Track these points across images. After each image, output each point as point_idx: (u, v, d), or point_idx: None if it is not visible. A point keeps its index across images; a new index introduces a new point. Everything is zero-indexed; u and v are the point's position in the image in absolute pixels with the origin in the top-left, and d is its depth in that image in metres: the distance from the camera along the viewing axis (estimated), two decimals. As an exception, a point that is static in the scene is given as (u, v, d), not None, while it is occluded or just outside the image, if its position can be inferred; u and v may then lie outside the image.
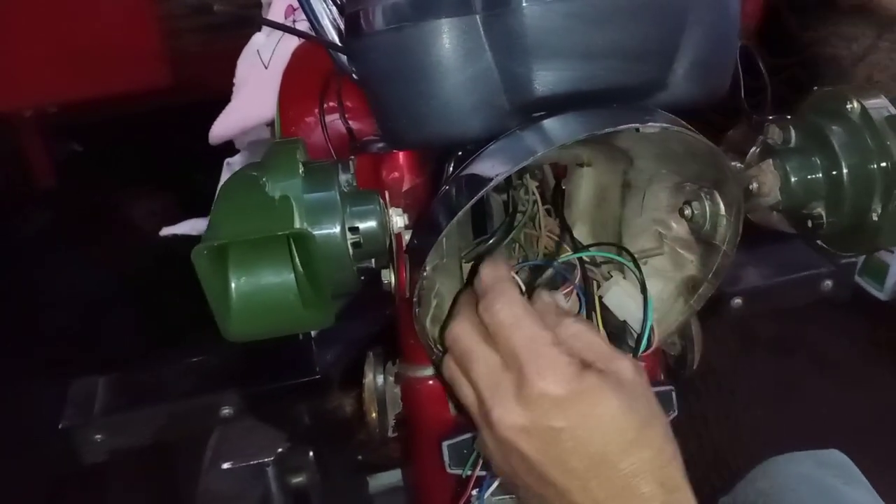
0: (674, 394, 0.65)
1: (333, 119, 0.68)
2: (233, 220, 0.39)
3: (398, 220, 0.45)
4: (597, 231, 0.63)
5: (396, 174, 0.60)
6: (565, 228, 0.61)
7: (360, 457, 0.91)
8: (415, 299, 0.49)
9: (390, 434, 0.64)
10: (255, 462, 0.95)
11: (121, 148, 2.32)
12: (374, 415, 0.62)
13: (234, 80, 1.16)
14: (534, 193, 0.61)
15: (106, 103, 2.14)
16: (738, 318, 0.93)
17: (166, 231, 1.24)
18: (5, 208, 2.30)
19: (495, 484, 0.60)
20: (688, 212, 0.55)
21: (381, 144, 0.59)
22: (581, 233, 0.63)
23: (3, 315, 1.74)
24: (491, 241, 0.57)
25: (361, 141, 0.62)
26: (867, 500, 0.82)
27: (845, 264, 0.93)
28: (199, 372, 0.86)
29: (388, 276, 0.51)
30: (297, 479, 1.13)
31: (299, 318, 0.41)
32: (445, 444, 0.62)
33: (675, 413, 0.66)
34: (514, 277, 0.51)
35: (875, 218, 0.46)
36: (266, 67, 1.01)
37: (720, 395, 1.46)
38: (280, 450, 0.97)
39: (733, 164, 0.54)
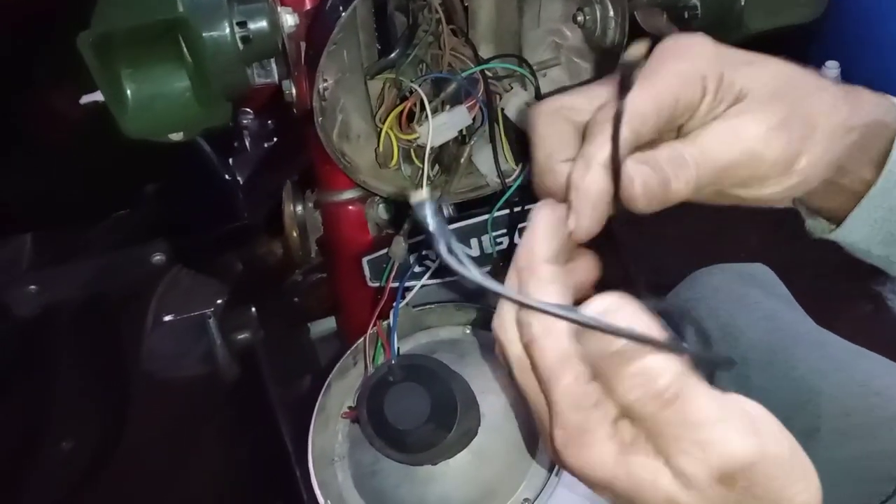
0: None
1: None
2: (116, 9, 0.39)
3: (288, 17, 0.46)
4: (500, 49, 0.64)
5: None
6: (470, 46, 0.62)
7: (296, 299, 0.94)
8: (315, 106, 0.51)
9: (312, 256, 0.67)
10: (196, 314, 0.98)
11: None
12: (295, 236, 0.65)
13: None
14: (437, 12, 0.62)
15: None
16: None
17: (86, 99, 1.22)
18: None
19: (411, 294, 0.64)
20: (580, 18, 0.57)
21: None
22: (486, 52, 0.65)
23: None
24: (392, 55, 0.58)
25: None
26: (783, 310, 0.89)
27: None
28: (129, 223, 0.88)
29: (289, 87, 0.52)
30: (242, 336, 1.17)
31: (194, 115, 0.43)
32: (365, 259, 0.66)
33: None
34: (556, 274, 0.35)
35: (742, 2, 0.49)
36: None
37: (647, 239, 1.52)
38: (219, 301, 1.01)
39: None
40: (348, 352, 0.65)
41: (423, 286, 0.66)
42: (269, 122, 1.12)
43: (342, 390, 0.63)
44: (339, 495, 0.61)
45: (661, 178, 0.35)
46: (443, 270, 0.66)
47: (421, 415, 0.54)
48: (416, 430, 0.54)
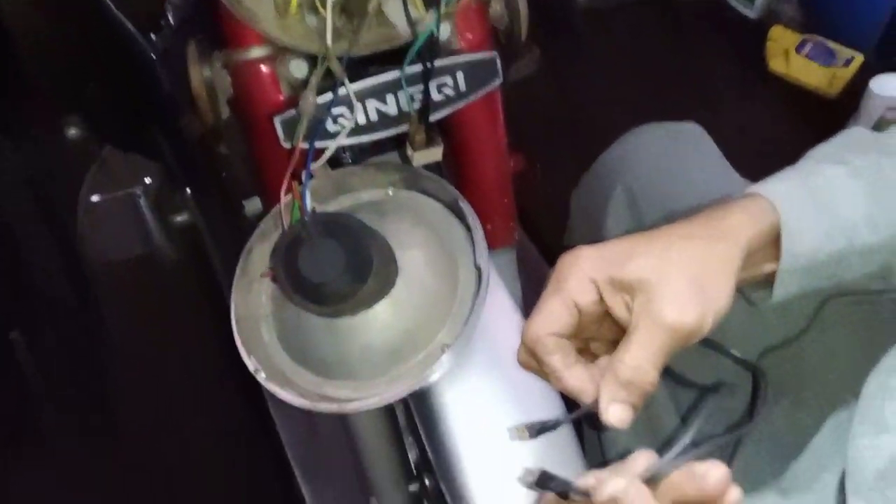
0: (497, 60, 0.68)
1: None
2: None
3: None
4: None
5: None
6: None
7: (224, 174, 0.93)
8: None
9: (224, 117, 0.65)
10: (123, 192, 0.96)
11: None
12: (204, 97, 0.63)
13: None
14: None
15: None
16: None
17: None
18: None
19: (327, 154, 0.63)
20: None
21: None
22: None
23: None
24: None
25: None
26: (711, 165, 0.90)
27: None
28: (41, 97, 0.84)
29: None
30: (180, 218, 1.16)
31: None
32: (277, 119, 0.64)
33: (500, 80, 0.69)
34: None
35: None
36: None
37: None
38: (148, 179, 0.99)
39: None
40: (268, 215, 0.64)
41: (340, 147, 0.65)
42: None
43: (264, 254, 0.63)
44: (265, 352, 0.62)
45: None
46: (359, 129, 0.65)
47: (335, 267, 0.54)
48: (331, 282, 0.55)
